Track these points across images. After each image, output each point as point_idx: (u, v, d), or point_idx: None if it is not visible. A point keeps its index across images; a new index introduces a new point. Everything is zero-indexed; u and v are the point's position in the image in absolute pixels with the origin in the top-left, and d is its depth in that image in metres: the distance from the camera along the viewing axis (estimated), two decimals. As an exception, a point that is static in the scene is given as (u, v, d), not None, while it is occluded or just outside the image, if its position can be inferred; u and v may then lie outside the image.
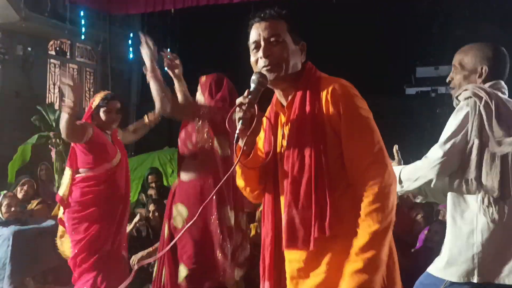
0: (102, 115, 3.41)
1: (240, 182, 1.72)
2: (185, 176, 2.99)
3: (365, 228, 1.43)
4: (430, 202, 5.27)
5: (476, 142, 1.94)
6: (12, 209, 4.26)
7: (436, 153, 1.99)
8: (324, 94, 1.52)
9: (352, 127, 1.49)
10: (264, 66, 1.55)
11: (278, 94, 1.67)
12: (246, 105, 1.50)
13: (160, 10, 7.77)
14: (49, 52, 9.50)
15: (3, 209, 4.18)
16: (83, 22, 8.22)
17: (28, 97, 8.28)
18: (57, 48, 9.71)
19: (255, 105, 1.52)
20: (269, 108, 1.71)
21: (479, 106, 1.95)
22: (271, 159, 1.61)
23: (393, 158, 2.18)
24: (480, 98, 1.96)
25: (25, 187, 5.14)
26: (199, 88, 3.08)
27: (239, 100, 1.53)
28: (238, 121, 1.51)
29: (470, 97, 2.00)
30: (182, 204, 2.92)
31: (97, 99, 3.45)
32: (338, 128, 1.50)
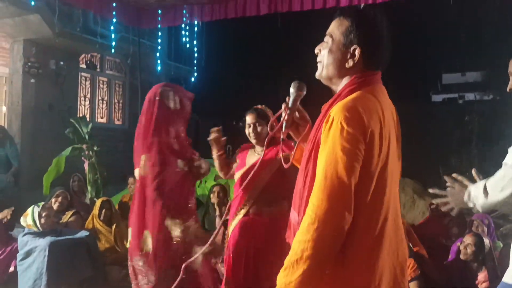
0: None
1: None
2: None
3: (290, 253, 1.47)
4: (462, 213, 5.21)
5: None
6: (49, 220, 4.35)
7: None
8: (328, 113, 1.53)
9: (321, 156, 1.49)
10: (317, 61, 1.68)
11: None
12: (288, 110, 1.75)
13: (188, 23, 7.90)
14: (80, 66, 9.75)
15: (42, 220, 4.27)
16: (113, 36, 8.41)
17: (61, 109, 8.51)
18: (88, 62, 9.96)
19: (295, 110, 1.77)
20: None
21: None
22: None
23: (472, 180, 2.04)
24: None
25: (59, 199, 5.26)
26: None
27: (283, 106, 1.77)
28: (282, 123, 1.77)
29: None
30: None
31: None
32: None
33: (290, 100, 1.77)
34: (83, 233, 4.51)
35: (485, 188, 1.89)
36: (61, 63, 8.72)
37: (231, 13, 6.86)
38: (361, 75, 1.58)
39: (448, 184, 2.11)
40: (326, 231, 1.40)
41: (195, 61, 10.64)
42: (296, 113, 1.79)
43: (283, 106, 1.78)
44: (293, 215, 1.62)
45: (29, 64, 8.30)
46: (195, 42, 9.96)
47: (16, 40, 8.39)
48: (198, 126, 11.64)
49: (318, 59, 1.66)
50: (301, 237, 1.43)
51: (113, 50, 8.53)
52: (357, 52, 1.57)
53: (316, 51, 1.67)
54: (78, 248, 4.31)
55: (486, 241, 3.82)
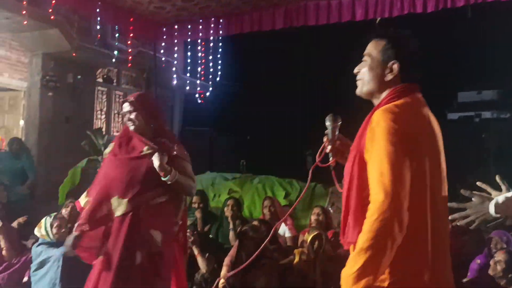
0: None
1: None
2: None
3: (357, 246, 1.59)
4: (480, 230, 5.10)
5: None
6: (62, 230, 4.36)
7: None
8: (371, 120, 1.70)
9: (372, 155, 1.64)
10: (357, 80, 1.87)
11: None
12: (329, 142, 1.96)
13: (204, 37, 7.97)
14: (97, 80, 9.87)
15: (54, 230, 4.28)
16: (129, 50, 8.52)
17: (77, 122, 8.60)
18: (105, 76, 10.09)
19: (336, 140, 1.96)
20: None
21: None
22: None
23: (499, 189, 2.04)
24: None
25: (68, 209, 5.27)
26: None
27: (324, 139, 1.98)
28: (329, 154, 1.98)
29: None
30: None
31: None
32: (367, 153, 1.68)
33: (329, 132, 1.98)
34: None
35: None
36: (79, 77, 8.84)
37: (247, 27, 6.91)
38: (400, 87, 1.77)
39: (473, 193, 2.06)
40: (386, 222, 1.52)
41: (210, 76, 10.71)
42: (337, 142, 1.99)
43: (325, 139, 1.99)
44: (343, 214, 1.78)
45: (47, 77, 8.43)
46: (210, 57, 10.04)
47: (35, 54, 8.54)
48: (212, 141, 11.67)
49: (358, 77, 1.85)
50: (363, 229, 1.57)
51: (129, 65, 8.63)
52: (395, 66, 1.76)
53: (355, 71, 1.86)
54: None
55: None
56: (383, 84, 1.78)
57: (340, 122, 1.97)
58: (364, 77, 1.82)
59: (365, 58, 1.82)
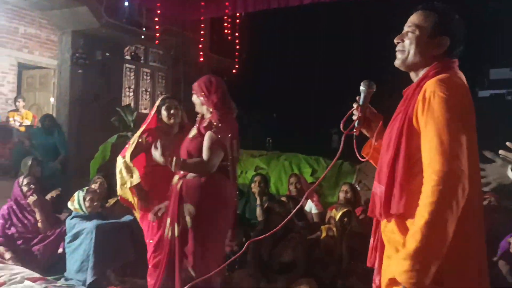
0: (163, 113, 3.65)
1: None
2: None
3: (418, 219, 1.53)
4: (509, 209, 5.02)
5: None
6: (94, 203, 4.47)
7: None
8: (422, 90, 1.67)
9: (426, 126, 1.61)
10: (396, 51, 1.83)
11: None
12: (360, 108, 1.89)
13: (230, 14, 7.93)
14: (125, 57, 9.95)
15: (86, 203, 4.39)
16: (157, 27, 8.54)
17: (106, 100, 8.73)
18: (132, 54, 10.17)
19: (367, 107, 1.90)
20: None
21: None
22: None
23: None
24: None
25: (97, 184, 5.39)
26: (193, 93, 3.18)
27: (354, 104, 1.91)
28: (355, 121, 1.89)
29: None
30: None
31: (157, 103, 3.74)
32: (419, 122, 1.65)
33: (361, 98, 1.90)
34: (127, 218, 4.59)
35: None
36: (107, 54, 8.94)
37: (274, 3, 6.84)
38: (444, 61, 1.75)
39: (497, 155, 2.11)
40: (451, 190, 1.51)
41: (236, 53, 10.67)
42: (368, 110, 1.93)
43: (355, 105, 1.91)
44: (379, 188, 1.75)
45: (77, 55, 8.56)
46: (237, 33, 9.99)
47: (65, 32, 8.65)
48: (238, 118, 11.67)
49: (399, 48, 1.80)
50: (426, 200, 1.52)
51: (157, 42, 8.66)
52: (444, 41, 1.75)
53: (396, 40, 1.82)
54: (123, 232, 4.39)
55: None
56: (429, 58, 1.76)
57: (375, 90, 1.90)
58: (409, 49, 1.78)
59: (410, 28, 1.78)
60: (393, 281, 1.63)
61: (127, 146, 3.63)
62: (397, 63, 1.82)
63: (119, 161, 3.58)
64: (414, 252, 1.50)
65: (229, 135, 3.03)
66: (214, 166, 2.97)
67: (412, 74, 1.83)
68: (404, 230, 1.64)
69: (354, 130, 1.90)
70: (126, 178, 3.50)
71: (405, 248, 1.53)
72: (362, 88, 1.89)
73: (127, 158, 3.51)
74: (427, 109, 1.61)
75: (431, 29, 1.75)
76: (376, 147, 1.93)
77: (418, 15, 1.79)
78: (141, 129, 3.66)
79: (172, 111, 3.66)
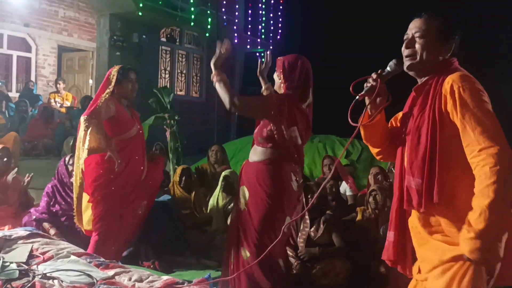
0: (123, 85, 3.74)
1: (363, 138, 2.09)
2: (254, 158, 2.95)
3: (481, 200, 1.60)
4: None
5: None
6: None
7: None
8: (445, 84, 1.76)
9: (464, 117, 1.70)
10: (405, 56, 1.90)
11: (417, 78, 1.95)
12: (375, 77, 1.90)
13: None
14: (161, 39, 10.06)
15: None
16: (192, 9, 8.58)
17: (143, 81, 8.86)
18: (168, 36, 10.26)
19: (380, 82, 1.89)
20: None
21: None
22: (401, 130, 1.97)
23: None
24: None
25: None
26: (276, 69, 3.03)
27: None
28: (364, 88, 1.92)
29: None
30: (246, 186, 2.96)
31: (113, 72, 3.77)
32: (453, 116, 1.73)
33: (385, 71, 1.92)
34: (166, 197, 4.70)
35: None
36: (143, 36, 9.05)
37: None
38: (452, 60, 1.86)
39: None
40: (508, 169, 1.61)
41: (271, 34, 10.62)
42: (383, 85, 1.95)
43: (374, 74, 1.92)
44: (414, 181, 1.81)
45: (115, 37, 8.70)
46: (271, 15, 9.94)
47: (102, 15, 8.80)
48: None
49: (409, 54, 1.87)
50: (488, 181, 1.60)
51: (192, 24, 8.71)
52: (453, 44, 1.85)
53: (405, 49, 1.89)
54: (161, 210, 4.49)
55: None
56: (438, 59, 1.86)
57: (401, 71, 1.92)
58: (422, 52, 1.85)
59: (419, 34, 1.86)
60: (446, 261, 1.71)
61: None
62: (408, 68, 1.89)
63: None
64: (485, 230, 1.58)
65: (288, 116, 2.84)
66: (241, 106, 2.78)
67: (420, 75, 1.92)
68: (450, 217, 1.74)
69: (360, 94, 1.93)
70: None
71: (473, 228, 1.61)
72: (391, 63, 1.93)
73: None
74: (460, 103, 1.71)
75: (440, 33, 1.85)
76: (374, 123, 1.99)
77: (424, 21, 1.87)
78: None
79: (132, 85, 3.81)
